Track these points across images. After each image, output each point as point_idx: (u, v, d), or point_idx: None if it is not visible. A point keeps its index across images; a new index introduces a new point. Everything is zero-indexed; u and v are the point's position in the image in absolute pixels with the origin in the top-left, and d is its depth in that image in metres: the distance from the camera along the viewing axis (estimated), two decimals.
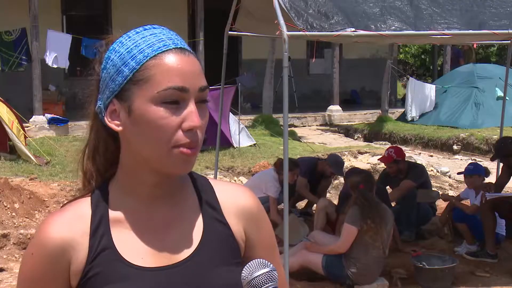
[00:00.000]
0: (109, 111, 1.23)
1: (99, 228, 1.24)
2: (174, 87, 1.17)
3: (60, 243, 1.22)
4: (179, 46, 1.21)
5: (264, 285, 1.18)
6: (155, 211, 1.27)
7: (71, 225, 1.24)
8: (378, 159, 7.29)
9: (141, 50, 1.20)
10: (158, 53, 1.19)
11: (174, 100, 1.18)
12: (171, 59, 1.19)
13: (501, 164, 7.10)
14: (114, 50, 1.23)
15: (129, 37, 1.23)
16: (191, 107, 1.18)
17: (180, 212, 1.29)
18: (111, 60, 1.22)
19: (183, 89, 1.18)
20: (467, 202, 6.67)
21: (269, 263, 1.21)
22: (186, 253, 1.25)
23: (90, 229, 1.24)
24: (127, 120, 1.21)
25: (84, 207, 1.27)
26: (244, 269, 1.21)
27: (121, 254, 1.23)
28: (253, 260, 1.22)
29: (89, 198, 1.28)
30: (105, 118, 1.24)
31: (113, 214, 1.26)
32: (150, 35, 1.22)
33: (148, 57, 1.19)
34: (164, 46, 1.20)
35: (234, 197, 1.34)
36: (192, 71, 1.20)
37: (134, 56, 1.20)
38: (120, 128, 1.23)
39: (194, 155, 1.20)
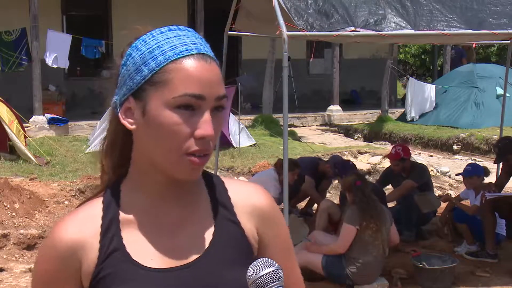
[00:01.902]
0: (124, 108, 1.22)
1: (110, 229, 1.24)
2: (191, 94, 1.16)
3: (71, 244, 1.22)
4: (201, 52, 1.19)
5: (269, 284, 1.17)
6: (166, 211, 1.26)
7: (82, 226, 1.24)
8: (384, 156, 7.27)
9: (163, 52, 1.18)
10: (179, 57, 1.17)
11: (189, 106, 1.17)
12: (191, 65, 1.17)
13: (501, 164, 7.10)
14: (136, 48, 1.22)
15: (153, 37, 1.21)
16: (206, 116, 1.17)
17: (192, 212, 1.28)
18: (132, 58, 1.21)
19: (200, 97, 1.16)
20: (467, 202, 6.67)
21: (274, 262, 1.20)
22: (197, 254, 1.24)
23: (101, 230, 1.23)
24: (141, 120, 1.20)
25: (95, 208, 1.26)
26: (249, 268, 1.20)
27: (131, 255, 1.22)
28: (259, 259, 1.21)
29: (101, 198, 1.28)
30: (120, 115, 1.23)
31: (124, 214, 1.25)
32: (174, 36, 1.20)
33: (169, 60, 1.17)
34: (186, 50, 1.18)
35: (247, 196, 1.32)
36: (211, 79, 1.18)
37: (155, 57, 1.18)
38: (133, 127, 1.22)
39: (203, 164, 1.20)
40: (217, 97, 1.18)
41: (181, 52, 1.18)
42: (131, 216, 1.25)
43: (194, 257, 1.24)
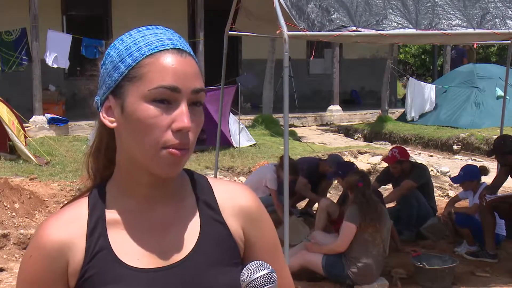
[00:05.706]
0: (105, 107, 1.24)
1: (96, 229, 1.24)
2: (165, 86, 1.16)
3: (58, 245, 1.22)
4: (177, 47, 1.20)
5: (263, 287, 1.18)
6: (152, 211, 1.26)
7: (68, 226, 1.24)
8: (381, 159, 7.25)
9: (139, 48, 1.20)
10: (154, 52, 1.19)
11: (165, 99, 1.17)
12: (166, 59, 1.18)
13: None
14: (114, 47, 1.24)
15: (130, 35, 1.23)
16: (182, 108, 1.17)
17: (178, 213, 1.28)
18: (110, 56, 1.23)
19: (175, 88, 1.16)
20: (466, 202, 6.67)
21: (268, 265, 1.20)
22: (183, 254, 1.24)
23: (87, 230, 1.23)
24: (120, 117, 1.21)
25: (81, 208, 1.26)
26: (243, 271, 1.20)
27: (117, 255, 1.22)
28: (252, 262, 1.21)
29: (87, 198, 1.28)
30: (101, 114, 1.24)
31: (110, 214, 1.25)
32: (151, 34, 1.22)
33: (144, 55, 1.18)
34: (161, 45, 1.19)
35: (233, 196, 1.32)
36: (187, 72, 1.19)
37: (131, 53, 1.20)
38: (114, 125, 1.23)
39: (183, 157, 1.19)
40: (193, 90, 1.19)
41: (157, 47, 1.19)
42: (117, 217, 1.25)
43: (180, 257, 1.24)
